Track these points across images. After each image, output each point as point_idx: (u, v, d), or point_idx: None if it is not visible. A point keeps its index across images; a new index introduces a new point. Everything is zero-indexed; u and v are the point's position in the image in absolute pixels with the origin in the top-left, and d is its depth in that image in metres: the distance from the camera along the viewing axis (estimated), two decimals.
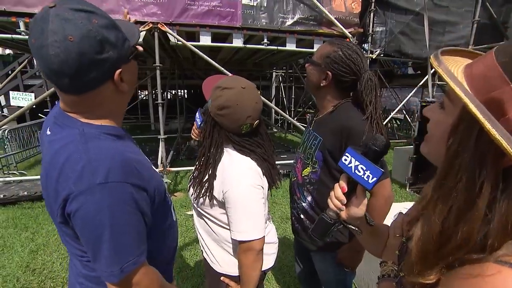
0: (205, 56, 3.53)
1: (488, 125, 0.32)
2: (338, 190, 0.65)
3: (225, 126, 1.01)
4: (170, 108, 7.76)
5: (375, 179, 0.59)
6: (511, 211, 0.35)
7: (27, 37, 3.19)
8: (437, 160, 0.44)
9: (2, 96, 7.81)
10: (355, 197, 0.65)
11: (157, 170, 3.74)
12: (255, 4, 3.60)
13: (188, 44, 3.45)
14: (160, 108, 3.63)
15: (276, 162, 1.15)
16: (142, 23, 3.31)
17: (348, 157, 0.63)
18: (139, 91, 12.34)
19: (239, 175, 0.99)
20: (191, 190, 1.10)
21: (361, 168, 0.61)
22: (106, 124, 0.69)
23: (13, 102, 5.93)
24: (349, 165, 0.63)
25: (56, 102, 0.84)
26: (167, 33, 3.41)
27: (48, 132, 0.69)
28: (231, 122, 0.99)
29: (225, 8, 3.49)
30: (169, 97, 8.77)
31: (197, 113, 1.23)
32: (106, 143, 0.65)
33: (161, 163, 3.77)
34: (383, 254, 0.66)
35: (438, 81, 5.20)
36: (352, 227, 0.67)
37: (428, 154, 0.48)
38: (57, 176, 0.60)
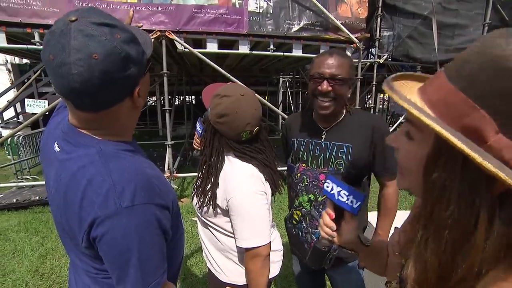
0: (212, 63, 3.57)
1: (480, 159, 0.30)
2: (326, 217, 0.65)
3: (225, 133, 1.01)
4: (177, 114, 7.85)
5: (359, 203, 0.61)
6: (505, 236, 0.33)
7: (41, 47, 3.32)
8: (420, 193, 0.41)
9: (18, 103, 8.05)
10: (344, 222, 0.64)
11: (164, 175, 3.80)
12: (261, 11, 3.63)
13: (195, 51, 3.50)
14: (167, 114, 3.67)
15: (282, 168, 1.14)
16: (150, 31, 3.37)
17: (329, 184, 0.65)
18: (147, 97, 12.54)
19: (241, 182, 0.98)
20: (195, 199, 1.10)
21: (344, 194, 0.63)
22: (121, 139, 0.68)
23: (28, 109, 6.10)
24: (331, 192, 0.65)
25: (55, 113, 0.83)
26: (175, 41, 3.47)
27: (57, 149, 0.66)
28: (231, 129, 0.99)
29: (232, 16, 3.54)
30: (176, 103, 8.89)
31: (197, 122, 1.24)
32: (126, 162, 0.63)
33: (168, 168, 3.80)
34: (387, 274, 0.64)
35: None
36: (348, 250, 0.67)
37: (410, 189, 0.45)
38: (79, 201, 0.58)
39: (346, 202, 0.63)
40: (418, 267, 0.40)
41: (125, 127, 0.69)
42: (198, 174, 1.11)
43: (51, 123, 0.78)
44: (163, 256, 0.65)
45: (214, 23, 3.52)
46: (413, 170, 0.41)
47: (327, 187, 0.66)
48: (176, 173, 4.04)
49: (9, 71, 9.41)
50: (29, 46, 3.36)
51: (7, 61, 9.20)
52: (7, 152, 5.20)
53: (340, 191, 0.64)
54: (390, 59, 5.36)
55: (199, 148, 1.27)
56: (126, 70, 0.58)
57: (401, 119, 6.85)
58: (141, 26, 0.88)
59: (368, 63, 5.16)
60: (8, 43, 3.30)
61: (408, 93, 0.39)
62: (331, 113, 1.11)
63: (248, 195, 0.97)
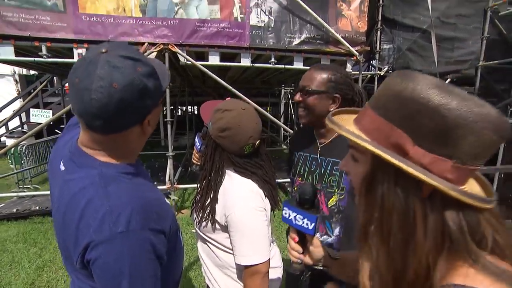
0: (214, 75, 3.62)
1: (404, 166, 0.39)
2: (291, 242, 0.72)
3: (227, 148, 1.02)
4: (180, 124, 7.90)
5: (313, 224, 0.69)
6: (439, 228, 0.40)
7: (48, 60, 3.41)
8: (365, 206, 0.48)
9: (24, 113, 8.17)
10: (309, 243, 0.71)
11: (165, 186, 3.79)
12: (262, 25, 3.70)
13: (197, 63, 3.55)
14: (169, 126, 3.70)
15: (283, 180, 1.15)
16: (153, 44, 3.44)
17: (286, 210, 0.73)
18: None
19: (241, 198, 0.98)
20: (194, 214, 1.10)
21: (299, 218, 0.71)
22: (124, 162, 0.70)
23: (32, 119, 6.18)
24: (289, 218, 0.72)
25: (65, 131, 0.86)
26: (177, 54, 3.53)
27: (62, 168, 0.70)
28: (233, 143, 1.00)
29: (234, 29, 3.61)
30: (179, 113, 8.96)
31: (196, 138, 1.24)
32: (125, 186, 0.66)
33: (169, 180, 3.80)
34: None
35: None
36: (320, 267, 0.71)
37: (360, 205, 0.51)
38: (77, 221, 0.60)
39: (302, 225, 0.70)
40: (376, 278, 0.46)
41: (130, 151, 0.72)
42: (198, 189, 1.11)
43: (60, 141, 0.81)
44: (156, 280, 0.65)
45: (217, 36, 3.59)
46: (361, 185, 0.49)
47: (285, 214, 0.73)
48: (177, 184, 4.03)
49: (16, 82, 9.58)
50: (36, 59, 3.43)
51: (14, 72, 9.39)
52: (10, 161, 5.24)
53: (296, 216, 0.71)
54: (391, 71, 5.42)
55: (199, 163, 1.27)
56: (142, 100, 0.63)
57: None
58: (145, 44, 0.94)
59: (369, 75, 5.21)
60: (16, 56, 3.37)
61: (347, 124, 0.48)
62: (308, 122, 1.16)
63: (248, 211, 0.96)
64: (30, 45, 3.31)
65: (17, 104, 8.23)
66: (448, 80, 5.16)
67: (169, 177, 3.81)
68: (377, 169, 0.44)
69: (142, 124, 0.68)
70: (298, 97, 1.15)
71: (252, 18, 3.65)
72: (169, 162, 3.81)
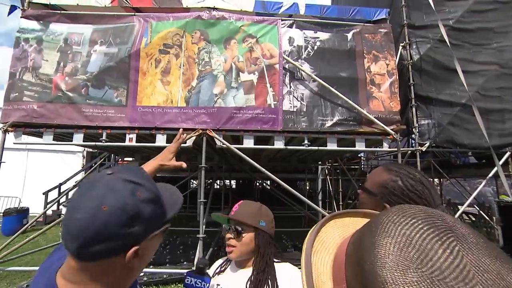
0: (249, 159, 3.75)
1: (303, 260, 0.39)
2: None
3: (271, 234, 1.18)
4: (216, 198, 7.97)
5: (207, 284, 1.01)
6: None
7: (105, 144, 3.91)
8: None
9: None
10: None
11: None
12: (295, 110, 3.92)
13: (232, 147, 3.75)
14: (201, 207, 3.72)
15: None
16: (193, 129, 3.79)
17: (189, 278, 1.03)
18: (191, 181, 13.21)
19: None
20: None
21: (199, 281, 1.02)
22: None
23: None
24: (191, 283, 1.02)
25: (60, 245, 0.76)
26: (214, 138, 3.80)
27: None
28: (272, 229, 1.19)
29: (267, 115, 3.86)
30: (217, 186, 9.12)
31: (191, 279, 1.05)
32: None
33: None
34: None
35: None
36: None
37: None
38: None
39: (200, 286, 1.01)
40: None
41: (111, 286, 0.60)
42: None
43: (47, 261, 0.72)
44: None
45: (251, 121, 3.84)
46: None
47: (188, 280, 1.03)
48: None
49: (83, 157, 11.21)
50: (97, 143, 4.00)
51: (84, 149, 10.96)
52: (61, 229, 5.55)
53: (196, 280, 1.02)
54: (433, 145, 5.12)
55: None
56: (129, 227, 0.56)
57: (462, 208, 6.02)
58: (180, 130, 1.12)
59: (409, 152, 4.97)
60: (83, 141, 3.99)
61: (326, 254, 0.43)
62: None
63: None
64: (94, 132, 3.91)
65: (80, 176, 9.46)
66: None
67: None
68: None
69: (124, 255, 0.57)
70: (359, 190, 1.05)
71: (284, 104, 3.92)
72: (199, 244, 3.69)
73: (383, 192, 0.92)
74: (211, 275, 1.05)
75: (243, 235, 1.11)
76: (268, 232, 1.15)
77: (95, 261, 0.56)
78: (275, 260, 1.12)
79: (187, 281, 1.01)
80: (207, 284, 1.00)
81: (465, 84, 4.27)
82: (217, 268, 1.21)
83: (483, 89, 4.86)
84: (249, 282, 1.05)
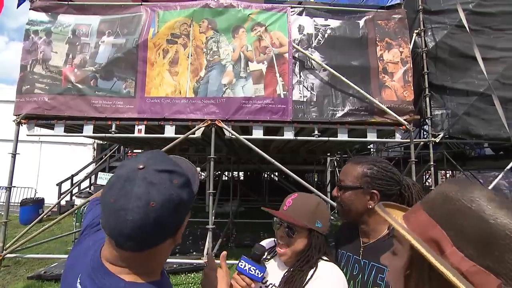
0: (258, 149, 3.71)
1: (440, 266, 0.38)
2: (240, 281, 0.94)
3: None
4: (224, 189, 8.00)
5: (262, 273, 0.95)
6: None
7: (115, 135, 3.96)
8: None
9: (94, 175, 9.33)
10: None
11: (201, 261, 3.63)
12: (305, 100, 3.84)
13: (241, 137, 3.71)
14: (210, 198, 3.73)
15: None
16: (202, 120, 3.77)
17: (243, 263, 0.96)
18: (200, 173, 13.33)
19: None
20: None
21: (253, 268, 0.95)
22: (150, 280, 0.64)
23: (99, 181, 6.94)
24: (244, 268, 0.95)
25: (88, 209, 0.84)
26: (223, 128, 3.76)
27: (79, 286, 0.64)
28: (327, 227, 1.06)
29: (277, 105, 3.79)
30: (225, 178, 9.17)
31: (245, 264, 0.97)
32: None
33: (207, 254, 3.65)
34: None
35: None
36: None
37: None
38: None
39: (254, 273, 0.94)
40: None
41: (158, 265, 0.68)
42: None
43: (81, 244, 0.76)
44: None
45: (260, 112, 3.79)
46: (396, 280, 0.50)
47: (241, 265, 0.96)
48: (216, 259, 3.84)
49: (94, 149, 11.44)
50: (106, 135, 4.03)
51: (94, 141, 11.13)
52: (74, 219, 5.70)
53: (250, 267, 0.95)
54: (447, 137, 4.97)
55: None
56: (177, 214, 0.61)
57: None
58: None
59: (422, 143, 4.84)
60: (93, 132, 4.03)
61: (398, 218, 0.50)
62: (347, 220, 1.11)
63: None
64: (104, 124, 3.94)
65: (91, 168, 9.75)
66: None
67: (207, 251, 3.67)
68: (412, 263, 0.45)
69: (175, 236, 0.65)
70: (335, 192, 1.09)
71: (294, 94, 3.84)
72: (209, 235, 3.71)
73: (366, 181, 1.03)
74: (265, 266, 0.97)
75: (296, 238, 0.98)
76: (323, 234, 1.02)
77: (150, 250, 0.61)
78: (323, 258, 1.01)
79: (241, 265, 0.94)
80: (261, 274, 0.93)
81: (484, 72, 4.07)
82: (267, 250, 1.08)
83: (504, 77, 4.62)
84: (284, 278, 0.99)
